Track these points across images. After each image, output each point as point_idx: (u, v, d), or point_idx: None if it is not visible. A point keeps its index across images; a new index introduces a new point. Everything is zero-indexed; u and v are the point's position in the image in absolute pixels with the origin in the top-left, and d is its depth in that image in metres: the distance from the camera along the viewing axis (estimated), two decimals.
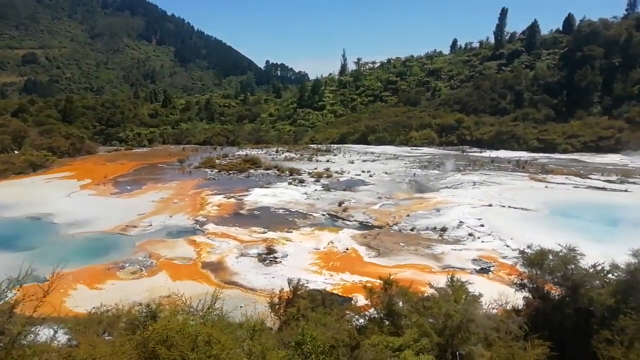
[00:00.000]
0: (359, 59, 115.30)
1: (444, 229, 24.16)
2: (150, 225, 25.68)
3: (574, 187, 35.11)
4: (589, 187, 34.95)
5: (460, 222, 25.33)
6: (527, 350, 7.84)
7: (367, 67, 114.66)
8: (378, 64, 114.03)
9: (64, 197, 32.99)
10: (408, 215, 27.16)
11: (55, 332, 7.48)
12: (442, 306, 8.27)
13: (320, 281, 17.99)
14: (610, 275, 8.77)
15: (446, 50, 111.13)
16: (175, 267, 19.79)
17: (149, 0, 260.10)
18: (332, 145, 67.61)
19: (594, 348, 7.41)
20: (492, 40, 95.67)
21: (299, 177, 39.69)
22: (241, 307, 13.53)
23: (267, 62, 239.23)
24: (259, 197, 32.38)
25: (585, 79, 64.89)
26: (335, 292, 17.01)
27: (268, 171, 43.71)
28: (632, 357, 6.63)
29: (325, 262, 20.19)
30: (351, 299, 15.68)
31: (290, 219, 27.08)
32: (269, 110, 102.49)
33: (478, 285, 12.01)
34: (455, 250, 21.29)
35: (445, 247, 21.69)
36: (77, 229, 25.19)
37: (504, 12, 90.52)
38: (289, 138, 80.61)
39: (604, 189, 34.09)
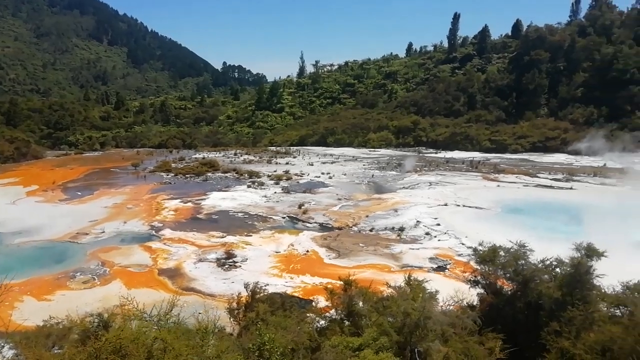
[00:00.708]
0: (317, 62, 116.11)
1: (402, 229, 24.59)
2: (103, 232, 24.74)
3: (524, 185, 36.63)
4: (538, 185, 36.56)
5: (418, 221, 25.86)
6: (482, 344, 8.08)
7: (325, 69, 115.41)
8: (336, 67, 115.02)
9: (9, 204, 31.27)
10: (367, 216, 27.48)
11: (2, 347, 7.08)
12: (401, 305, 8.40)
13: (280, 284, 17.88)
14: (557, 269, 9.16)
15: (402, 54, 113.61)
16: (130, 274, 19.15)
17: None
18: (291, 147, 67.54)
19: (544, 339, 7.73)
20: (445, 44, 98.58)
21: (258, 179, 39.38)
22: (200, 313, 13.24)
23: (225, 63, 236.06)
24: (217, 200, 31.86)
25: (533, 82, 67.88)
26: (296, 294, 16.96)
27: (226, 174, 43.11)
28: (579, 347, 6.97)
29: (286, 265, 20.10)
30: (312, 301, 15.68)
31: (250, 222, 26.81)
32: (227, 113, 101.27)
33: (435, 283, 12.30)
34: (413, 249, 21.71)
35: (404, 246, 22.07)
36: (24, 237, 23.92)
37: (456, 17, 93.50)
38: (247, 140, 79.88)
39: (551, 187, 35.75)
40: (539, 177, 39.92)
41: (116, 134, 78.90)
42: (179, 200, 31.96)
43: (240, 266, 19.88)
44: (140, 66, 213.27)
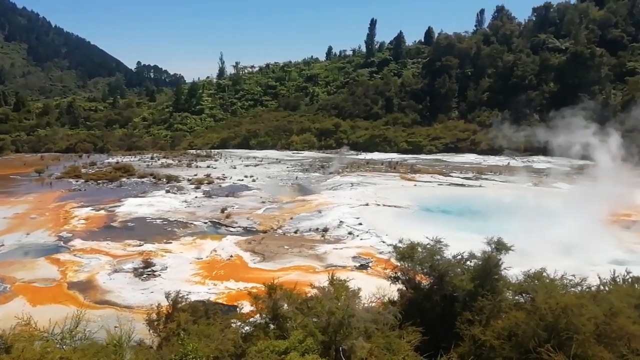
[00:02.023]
0: (237, 63, 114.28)
1: (325, 229, 24.94)
2: (2, 245, 22.49)
3: (439, 184, 38.77)
4: (451, 184, 38.89)
5: (341, 221, 26.38)
6: (403, 338, 8.40)
7: (246, 71, 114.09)
8: (257, 69, 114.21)
9: None
10: (292, 218, 27.54)
11: None
12: (325, 304, 8.49)
13: (203, 291, 17.36)
14: (469, 263, 9.77)
15: (322, 57, 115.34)
16: (36, 290, 17.57)
17: None
18: (212, 150, 65.95)
19: (458, 329, 8.20)
20: (363, 49, 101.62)
21: (178, 184, 37.98)
22: (116, 327, 12.48)
23: (139, 63, 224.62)
24: (133, 207, 30.24)
25: (445, 86, 72.09)
26: (220, 301, 16.55)
27: (143, 179, 41.07)
28: (489, 333, 7.48)
29: (209, 272, 19.55)
30: (236, 306, 15.39)
31: (169, 229, 25.75)
32: (142, 114, 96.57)
33: (358, 281, 12.60)
34: (337, 249, 22.09)
35: (328, 246, 22.39)
36: None
37: (373, 23, 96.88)
38: (165, 144, 76.79)
39: (462, 185, 38.19)
40: (452, 176, 42.48)
41: (16, 137, 72.25)
42: (90, 207, 29.92)
43: (159, 275, 19.01)
44: (43, 64, 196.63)
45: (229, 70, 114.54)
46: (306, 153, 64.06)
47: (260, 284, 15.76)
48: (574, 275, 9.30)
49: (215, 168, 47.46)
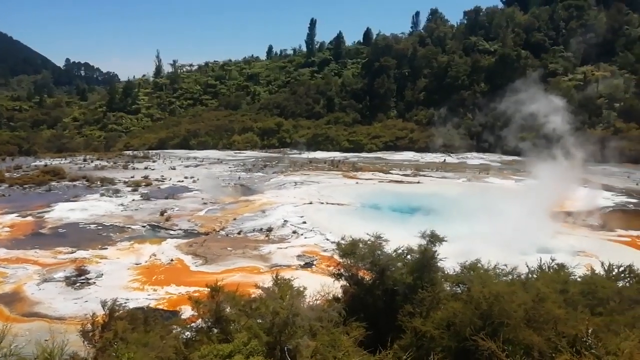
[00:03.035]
0: (175, 61, 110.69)
1: (269, 229, 24.79)
2: None
3: (379, 181, 39.70)
4: (391, 181, 39.94)
5: (285, 221, 26.33)
6: (347, 334, 8.51)
7: (184, 69, 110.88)
8: (196, 67, 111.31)
9: None
10: (235, 219, 27.13)
11: None
12: (269, 305, 8.42)
13: (142, 298, 16.71)
14: (408, 257, 10.06)
15: (263, 56, 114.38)
16: None
17: None
18: (150, 151, 63.58)
19: (400, 321, 8.42)
20: (304, 49, 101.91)
21: (113, 187, 36.27)
22: (46, 340, 11.71)
23: (68, 60, 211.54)
24: (64, 212, 28.52)
25: (383, 86, 73.85)
26: (161, 307, 16.00)
27: (75, 182, 38.83)
28: (429, 324, 7.74)
29: (148, 277, 18.84)
30: (178, 312, 14.96)
31: (105, 234, 24.53)
32: (73, 114, 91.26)
33: (303, 279, 12.63)
34: (281, 248, 22.03)
35: (272, 246, 22.27)
36: None
37: (313, 23, 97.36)
38: (99, 145, 73.09)
39: (401, 182, 39.34)
40: (392, 174, 43.64)
41: None
42: (15, 214, 27.88)
43: (94, 283, 18.07)
44: None
45: (167, 68, 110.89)
46: (249, 153, 63.33)
47: (203, 287, 15.39)
48: (505, 265, 9.83)
49: (153, 169, 45.80)
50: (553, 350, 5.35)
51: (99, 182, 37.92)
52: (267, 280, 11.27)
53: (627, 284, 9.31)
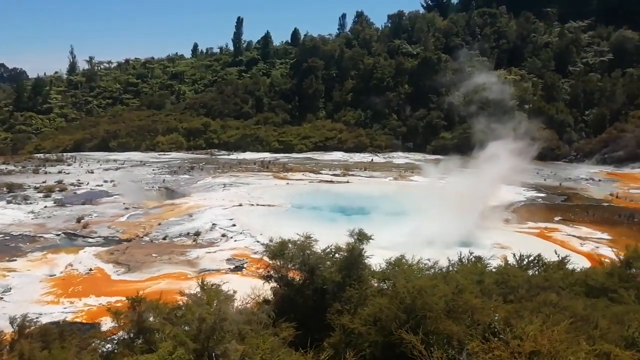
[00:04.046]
0: (91, 58, 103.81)
1: (197, 233, 24.10)
2: None
3: (310, 182, 39.98)
4: (321, 181, 40.38)
5: (214, 224, 25.73)
6: (277, 335, 8.46)
7: (102, 67, 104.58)
8: (115, 64, 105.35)
9: None
10: (160, 224, 26.08)
11: None
12: (195, 311, 8.16)
13: (58, 312, 15.57)
14: (337, 255, 10.19)
15: (188, 54, 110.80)
16: None
17: None
18: (64, 154, 59.27)
19: (329, 320, 8.51)
20: (231, 47, 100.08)
21: (22, 193, 33.41)
22: None
23: None
24: None
25: (312, 87, 74.41)
26: (78, 320, 15.02)
27: None
28: (356, 321, 7.88)
29: (64, 289, 17.60)
30: (98, 324, 14.09)
31: (13, 244, 22.56)
32: None
33: (233, 283, 12.37)
34: (210, 252, 21.51)
35: (200, 251, 21.68)
36: None
37: (240, 22, 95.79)
38: (5, 147, 67.07)
39: (331, 181, 39.90)
40: (322, 174, 44.13)
41: None
42: None
43: (1, 298, 16.56)
44: None
45: (82, 65, 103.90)
46: (174, 154, 61.07)
47: (125, 296, 14.64)
48: (429, 259, 10.27)
49: (68, 173, 42.79)
50: (470, 339, 5.66)
51: (5, 188, 34.72)
52: (194, 286, 10.93)
53: (536, 272, 10.10)
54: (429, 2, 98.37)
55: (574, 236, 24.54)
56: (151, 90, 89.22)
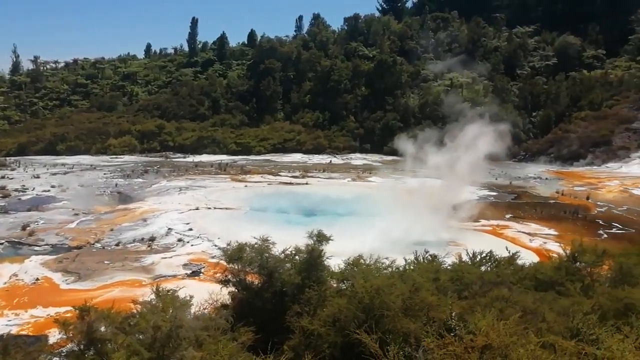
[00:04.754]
0: (36, 57, 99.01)
1: (152, 239, 23.42)
2: None
3: (269, 184, 39.72)
4: (280, 183, 40.21)
5: (169, 229, 25.09)
6: (235, 340, 8.33)
7: (48, 67, 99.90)
8: (62, 64, 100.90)
9: None
10: (112, 230, 25.15)
11: None
12: (150, 319, 7.92)
13: (1, 324, 14.70)
14: (296, 257, 10.16)
15: (141, 54, 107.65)
16: None
17: None
18: (7, 158, 56.18)
19: (288, 322, 8.46)
20: (186, 48, 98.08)
21: None
22: None
23: None
24: None
25: (270, 88, 74.06)
26: (24, 333, 14.24)
27: None
28: (316, 322, 7.87)
29: (8, 300, 16.64)
30: (45, 337, 13.41)
31: None
32: None
33: (190, 288, 12.07)
34: (166, 258, 20.94)
35: (155, 256, 21.06)
36: None
37: (194, 22, 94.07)
38: None
39: (290, 183, 39.81)
40: (281, 176, 43.96)
41: None
42: None
43: None
44: None
45: (26, 65, 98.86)
46: (127, 157, 59.14)
47: (75, 306, 14.00)
48: (386, 259, 10.40)
49: (12, 178, 40.57)
50: (426, 335, 5.77)
51: None
52: (149, 293, 10.60)
53: (488, 268, 10.44)
54: (384, 5, 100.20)
55: (523, 232, 25.58)
56: (102, 91, 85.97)
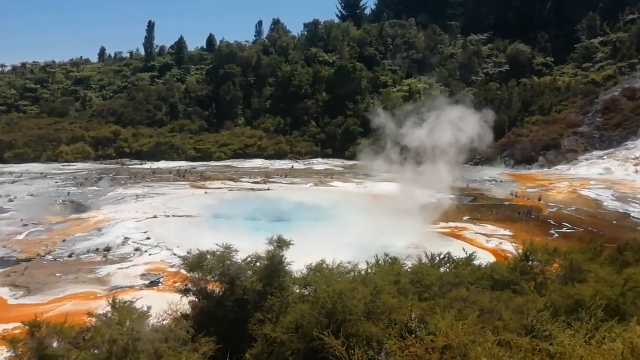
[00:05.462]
0: None
1: (107, 249, 22.62)
2: None
3: (229, 190, 39.23)
4: (241, 189, 39.79)
5: (126, 238, 24.32)
6: (196, 351, 8.13)
7: None
8: (10, 68, 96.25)
9: None
10: (64, 241, 24.13)
11: None
12: (105, 332, 7.63)
13: None
14: (258, 264, 10.03)
15: (94, 58, 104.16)
16: None
17: None
18: None
19: (251, 330, 8.34)
20: (142, 52, 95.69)
21: None
22: None
23: None
24: None
25: (229, 93, 73.30)
26: None
27: None
28: (278, 330, 7.80)
29: None
30: None
31: None
32: None
33: (149, 299, 11.69)
34: (122, 268, 20.28)
35: (111, 267, 20.35)
36: None
37: (151, 25, 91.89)
38: None
39: (252, 189, 39.46)
40: (242, 181, 43.51)
41: None
42: None
43: None
44: None
45: None
46: (80, 165, 56.93)
47: (25, 322, 13.28)
48: (349, 263, 10.45)
49: None
50: (388, 338, 5.82)
51: None
52: (105, 306, 10.21)
53: (447, 269, 10.68)
54: (344, 12, 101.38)
55: (480, 234, 26.39)
56: (52, 96, 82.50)
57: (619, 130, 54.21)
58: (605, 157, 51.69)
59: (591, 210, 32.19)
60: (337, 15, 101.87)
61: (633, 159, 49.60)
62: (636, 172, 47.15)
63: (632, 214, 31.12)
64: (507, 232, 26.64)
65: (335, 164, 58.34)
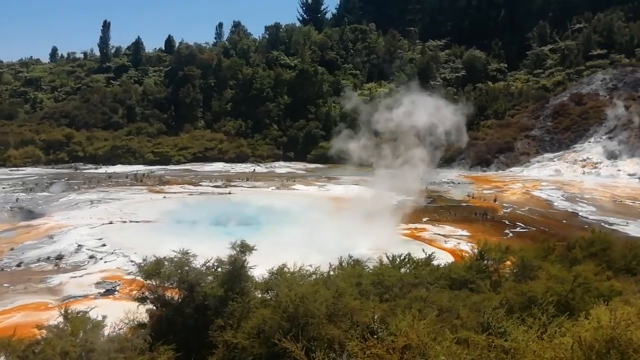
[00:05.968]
0: None
1: (60, 257, 21.67)
2: None
3: (189, 194, 38.46)
4: (202, 193, 39.09)
5: (79, 245, 23.39)
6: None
7: None
8: None
9: None
10: (12, 249, 22.95)
11: None
12: (57, 344, 7.31)
13: None
14: (219, 269, 9.87)
15: (45, 59, 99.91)
16: None
17: None
18: None
19: (211, 337, 8.19)
20: (97, 52, 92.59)
21: None
22: None
23: None
24: None
25: (189, 96, 71.95)
26: None
27: None
28: (240, 335, 7.70)
29: None
30: None
31: None
32: None
33: (104, 308, 11.28)
34: (76, 277, 19.48)
35: (63, 276, 19.50)
36: None
37: (106, 25, 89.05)
38: None
39: (213, 193, 38.85)
40: (202, 185, 42.77)
41: None
42: None
43: None
44: None
45: None
46: (30, 169, 54.31)
47: None
48: (310, 266, 10.44)
49: None
50: (350, 339, 5.86)
51: None
52: (57, 316, 9.78)
53: (407, 270, 10.86)
54: (305, 15, 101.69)
55: (439, 234, 27.01)
56: (0, 98, 78.49)
57: (568, 134, 56.98)
58: (555, 159, 54.18)
59: (543, 210, 33.61)
60: (298, 19, 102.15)
61: (581, 161, 52.24)
62: (584, 173, 49.68)
63: (580, 213, 32.72)
64: (465, 233, 27.39)
65: (297, 167, 58.31)
